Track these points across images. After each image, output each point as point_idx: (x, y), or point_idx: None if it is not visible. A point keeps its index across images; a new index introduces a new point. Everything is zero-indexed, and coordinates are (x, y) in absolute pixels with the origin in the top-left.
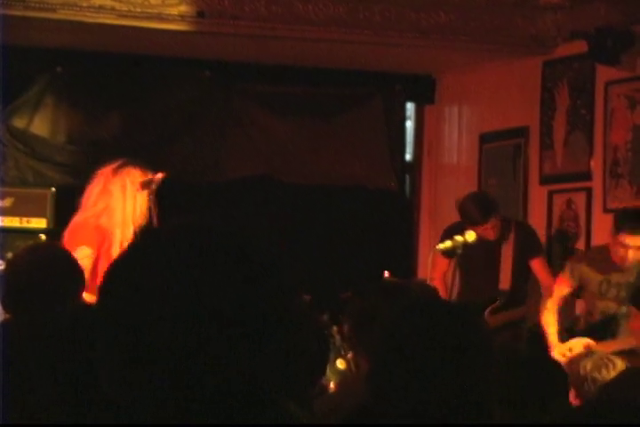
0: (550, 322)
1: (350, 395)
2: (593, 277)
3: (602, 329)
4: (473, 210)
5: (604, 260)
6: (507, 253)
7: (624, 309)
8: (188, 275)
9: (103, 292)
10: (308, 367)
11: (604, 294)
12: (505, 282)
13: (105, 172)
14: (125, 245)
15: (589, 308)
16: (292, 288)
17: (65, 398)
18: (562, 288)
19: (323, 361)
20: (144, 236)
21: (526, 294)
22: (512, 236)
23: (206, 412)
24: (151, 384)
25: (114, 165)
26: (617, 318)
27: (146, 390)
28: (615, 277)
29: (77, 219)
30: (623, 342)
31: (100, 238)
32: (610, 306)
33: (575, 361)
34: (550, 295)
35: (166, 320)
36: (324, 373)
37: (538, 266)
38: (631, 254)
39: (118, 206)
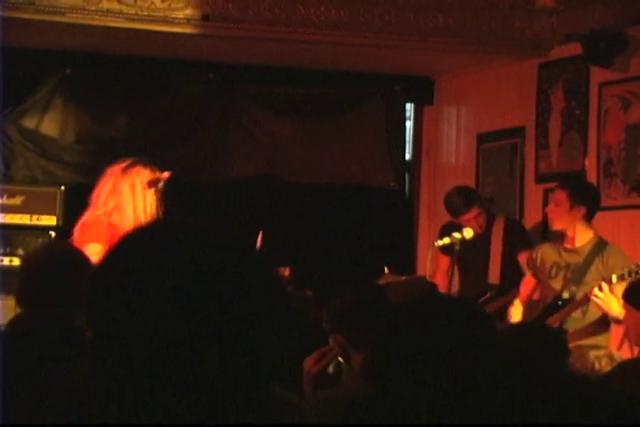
0: (515, 313)
1: (348, 387)
2: (546, 260)
3: (552, 311)
4: (455, 200)
5: (559, 244)
6: (496, 249)
7: (567, 291)
8: (177, 271)
9: (94, 292)
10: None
11: (554, 277)
12: (494, 276)
13: (114, 171)
14: None
15: (544, 291)
16: (279, 281)
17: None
18: (526, 285)
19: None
20: (128, 238)
21: (516, 286)
22: (501, 231)
23: (205, 404)
24: (150, 381)
25: (123, 165)
26: (562, 299)
27: (146, 385)
28: (563, 260)
29: (88, 216)
30: (557, 317)
31: (111, 236)
32: (555, 289)
33: (583, 355)
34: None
35: (158, 314)
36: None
37: (524, 259)
38: (549, 209)
39: (128, 205)
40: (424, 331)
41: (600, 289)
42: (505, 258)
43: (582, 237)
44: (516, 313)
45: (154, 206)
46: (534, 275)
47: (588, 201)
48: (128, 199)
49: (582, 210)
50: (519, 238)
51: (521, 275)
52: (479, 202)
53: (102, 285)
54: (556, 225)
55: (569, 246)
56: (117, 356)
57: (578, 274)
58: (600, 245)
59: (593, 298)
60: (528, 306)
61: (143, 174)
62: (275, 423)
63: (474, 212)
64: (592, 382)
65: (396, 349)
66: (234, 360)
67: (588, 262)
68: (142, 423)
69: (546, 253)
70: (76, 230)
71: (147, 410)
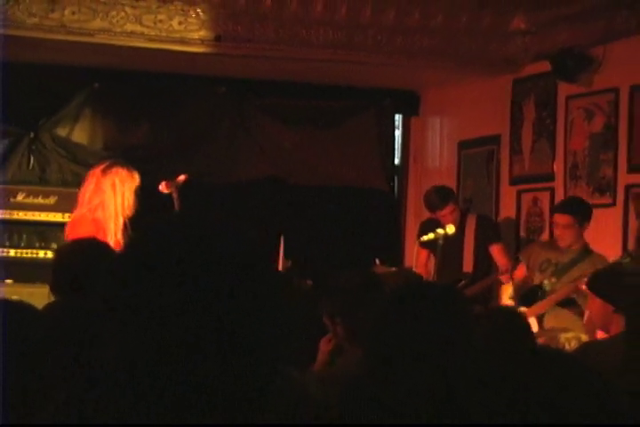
0: (504, 291)
1: (347, 367)
2: (537, 256)
3: (530, 298)
4: (433, 197)
5: (552, 244)
6: (469, 242)
7: (548, 282)
8: (190, 261)
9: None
10: (309, 339)
11: (544, 270)
12: (468, 266)
13: (95, 172)
14: (118, 232)
15: (525, 279)
16: (282, 281)
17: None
18: (519, 271)
19: (319, 334)
20: (145, 232)
21: (487, 274)
22: (474, 226)
23: (205, 404)
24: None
25: (102, 166)
26: (542, 288)
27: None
28: (555, 258)
29: (76, 214)
30: (542, 304)
31: (97, 229)
32: (541, 279)
33: (554, 337)
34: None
35: (161, 312)
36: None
37: (496, 251)
38: (559, 231)
39: (110, 202)
40: (416, 318)
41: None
42: (477, 250)
43: (576, 241)
44: (506, 292)
45: (131, 201)
46: (527, 265)
47: (589, 217)
48: (110, 197)
49: (587, 225)
50: (489, 233)
51: (491, 264)
52: (454, 200)
53: (114, 279)
54: (566, 243)
55: (562, 247)
56: (120, 355)
57: (562, 271)
58: (586, 252)
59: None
60: (517, 288)
61: (121, 174)
62: (276, 424)
63: (449, 208)
64: (579, 364)
65: (391, 338)
66: (235, 360)
67: (573, 263)
68: (143, 423)
69: (538, 250)
70: (67, 227)
71: (145, 410)
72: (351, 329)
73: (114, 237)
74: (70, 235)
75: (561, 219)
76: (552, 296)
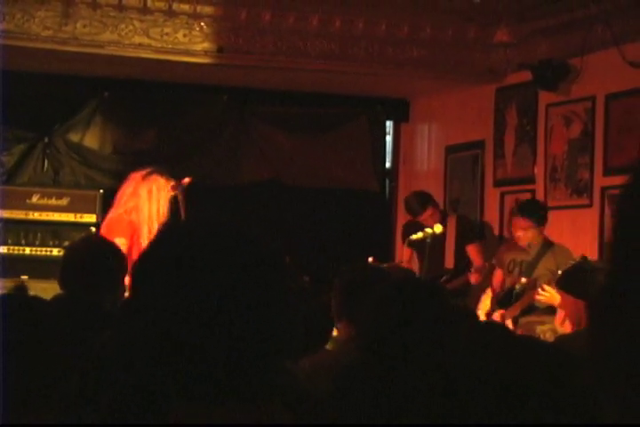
0: (484, 301)
1: (341, 354)
2: (505, 258)
3: (506, 300)
4: (412, 203)
5: (515, 244)
6: (449, 241)
7: (519, 284)
8: (204, 261)
9: (135, 278)
10: (313, 336)
11: (511, 271)
12: (449, 262)
13: (136, 177)
14: (150, 237)
15: (502, 283)
16: (290, 273)
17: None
18: (497, 278)
19: (325, 331)
20: (165, 232)
21: (467, 270)
22: (454, 227)
23: (222, 370)
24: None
25: (143, 172)
26: (515, 290)
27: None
28: (519, 257)
29: (112, 215)
30: (516, 306)
31: (132, 231)
32: (512, 281)
33: (531, 328)
34: (481, 276)
35: (190, 297)
36: (326, 341)
37: (471, 250)
38: (519, 233)
39: (145, 206)
40: (413, 315)
41: (543, 289)
42: (457, 248)
43: (534, 239)
44: (485, 301)
45: (165, 208)
46: (501, 269)
47: (546, 219)
48: (145, 202)
49: (544, 226)
50: (467, 233)
51: (469, 262)
52: (432, 204)
53: (134, 278)
54: (524, 243)
55: (522, 246)
56: (120, 354)
57: (528, 269)
58: (547, 245)
59: (538, 297)
60: (498, 295)
61: (159, 181)
62: (278, 424)
63: (429, 212)
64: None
65: (386, 322)
66: (242, 362)
67: (537, 260)
68: (142, 423)
69: (505, 252)
70: (103, 226)
71: (144, 408)
72: (339, 312)
73: (145, 240)
74: (106, 234)
75: (520, 222)
76: (524, 299)
